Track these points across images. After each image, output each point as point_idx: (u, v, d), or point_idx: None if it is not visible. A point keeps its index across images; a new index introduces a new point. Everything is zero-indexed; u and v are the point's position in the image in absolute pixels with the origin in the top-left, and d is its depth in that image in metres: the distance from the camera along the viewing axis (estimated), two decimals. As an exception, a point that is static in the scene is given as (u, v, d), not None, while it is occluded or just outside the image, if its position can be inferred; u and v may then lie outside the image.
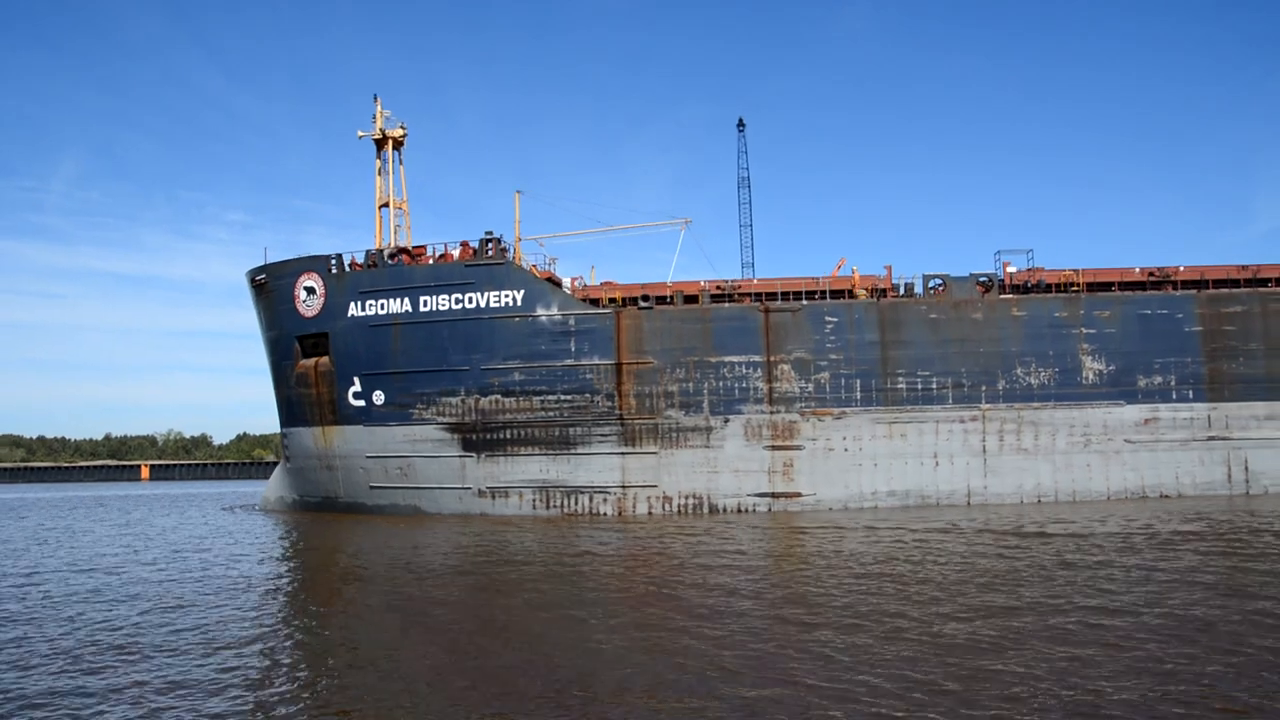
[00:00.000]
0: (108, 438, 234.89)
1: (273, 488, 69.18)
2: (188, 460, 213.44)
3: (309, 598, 28.43)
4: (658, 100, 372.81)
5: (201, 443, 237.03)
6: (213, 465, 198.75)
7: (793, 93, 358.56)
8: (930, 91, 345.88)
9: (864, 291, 56.75)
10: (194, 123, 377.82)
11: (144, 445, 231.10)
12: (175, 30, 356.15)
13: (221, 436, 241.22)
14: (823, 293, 56.87)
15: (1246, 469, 54.70)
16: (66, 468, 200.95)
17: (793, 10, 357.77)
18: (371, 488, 59.76)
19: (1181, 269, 57.49)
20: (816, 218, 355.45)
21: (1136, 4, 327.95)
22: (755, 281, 58.96)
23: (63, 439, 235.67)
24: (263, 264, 63.66)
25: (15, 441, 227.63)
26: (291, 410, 63.51)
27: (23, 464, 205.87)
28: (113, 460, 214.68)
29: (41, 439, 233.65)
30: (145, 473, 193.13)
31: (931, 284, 56.68)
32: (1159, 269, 57.39)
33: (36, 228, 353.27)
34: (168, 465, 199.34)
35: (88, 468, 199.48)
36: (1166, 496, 54.09)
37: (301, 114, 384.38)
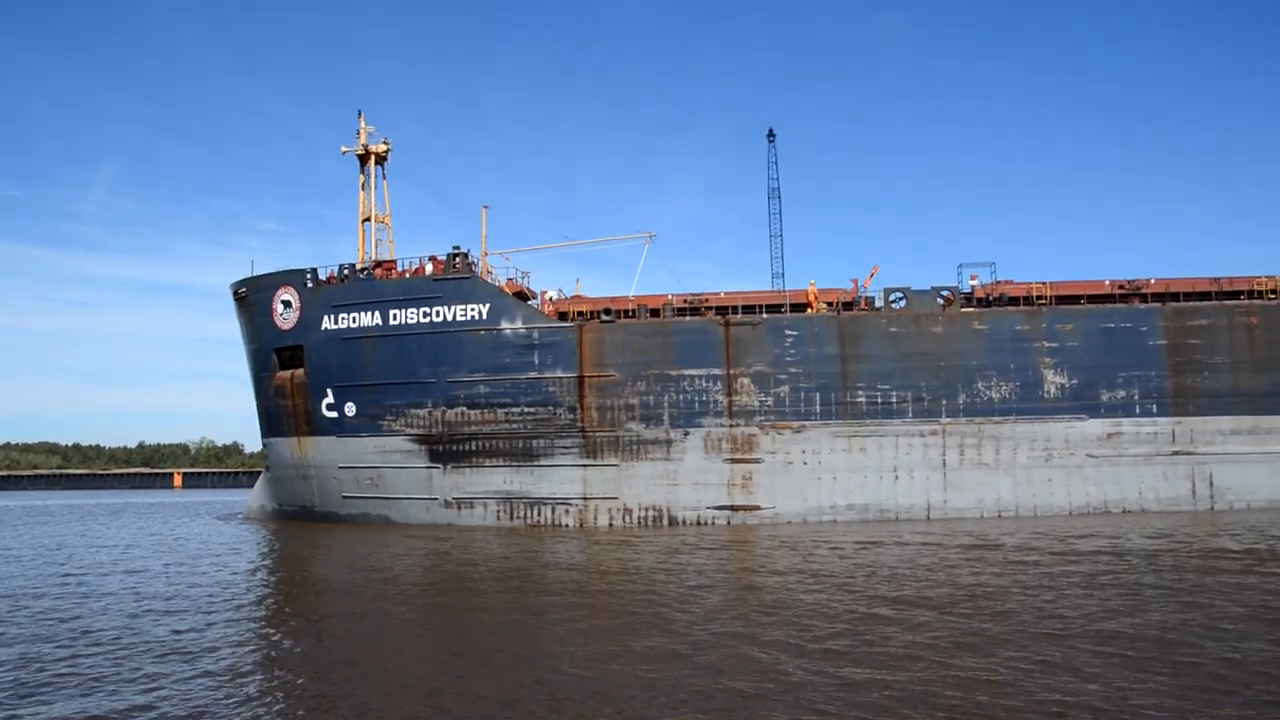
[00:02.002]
0: (141, 445, 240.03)
1: (255, 496, 70.65)
2: (219, 468, 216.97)
3: (223, 616, 29.23)
4: (689, 110, 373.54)
5: (233, 450, 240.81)
6: (244, 473, 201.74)
7: (823, 102, 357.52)
8: (963, 100, 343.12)
9: (824, 305, 56.87)
10: (227, 130, 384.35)
11: (177, 453, 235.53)
12: (207, 36, 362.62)
13: (253, 444, 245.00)
14: (786, 306, 57.13)
15: (1211, 484, 53.94)
16: (101, 475, 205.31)
17: (823, 19, 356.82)
18: (344, 498, 60.86)
19: (1152, 281, 56.94)
20: (848, 227, 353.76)
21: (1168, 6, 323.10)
22: (722, 295, 59.16)
23: (97, 446, 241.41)
24: (244, 277, 65.17)
25: (51, 449, 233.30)
26: (270, 421, 64.88)
27: (58, 471, 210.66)
28: (146, 468, 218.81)
29: (76, 446, 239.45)
30: (178, 480, 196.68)
31: (893, 298, 56.63)
32: (1128, 282, 56.88)
33: (72, 237, 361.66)
34: (199, 473, 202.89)
35: (122, 475, 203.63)
36: (1129, 512, 53.48)
37: (334, 122, 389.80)
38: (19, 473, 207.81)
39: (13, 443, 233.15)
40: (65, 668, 20.31)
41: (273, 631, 24.95)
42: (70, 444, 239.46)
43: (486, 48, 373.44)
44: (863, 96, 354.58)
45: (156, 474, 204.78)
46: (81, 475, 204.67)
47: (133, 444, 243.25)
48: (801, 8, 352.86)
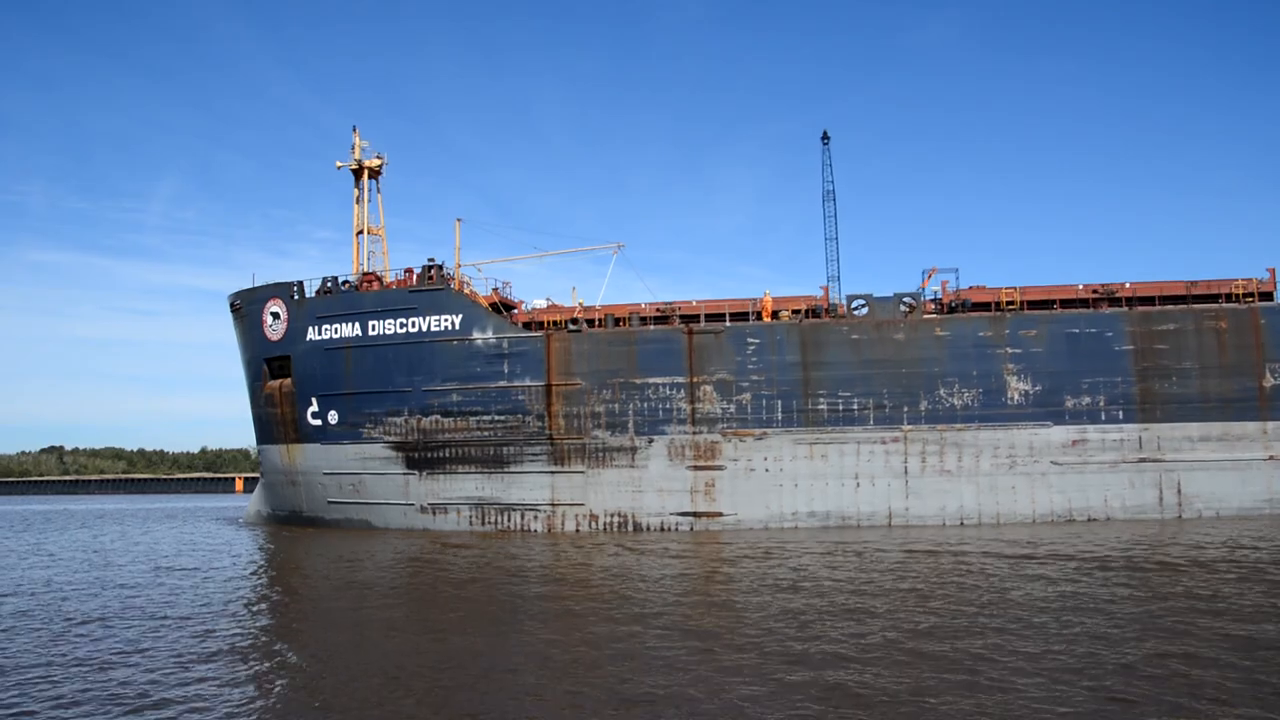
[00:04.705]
0: (204, 451, 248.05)
1: (253, 502, 73.24)
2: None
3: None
4: (742, 115, 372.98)
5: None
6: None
7: (878, 106, 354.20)
8: (1019, 100, 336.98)
9: (789, 313, 57.16)
10: (285, 141, 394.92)
11: (238, 458, 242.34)
12: (264, 49, 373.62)
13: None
14: (751, 315, 57.54)
15: (1179, 492, 52.84)
16: (165, 479, 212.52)
17: (878, 19, 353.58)
18: (329, 503, 62.82)
19: (1126, 285, 56.06)
20: (905, 230, 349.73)
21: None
22: (693, 303, 59.79)
23: (161, 452, 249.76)
24: (239, 290, 67.63)
25: (117, 454, 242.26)
26: (263, 428, 67.24)
27: (124, 476, 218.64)
28: (208, 473, 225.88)
29: (141, 451, 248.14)
30: (239, 485, 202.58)
31: (855, 305, 56.63)
32: (1101, 286, 56.07)
33: (136, 247, 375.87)
34: (259, 478, 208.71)
35: (185, 480, 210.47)
36: (1095, 520, 52.65)
37: (387, 131, 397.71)
38: (86, 477, 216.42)
39: (80, 449, 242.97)
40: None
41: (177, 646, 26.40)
42: (135, 450, 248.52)
43: (540, 58, 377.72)
44: (912, 101, 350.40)
45: (218, 479, 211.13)
46: (146, 480, 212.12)
47: (195, 449, 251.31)
48: (848, 15, 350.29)
